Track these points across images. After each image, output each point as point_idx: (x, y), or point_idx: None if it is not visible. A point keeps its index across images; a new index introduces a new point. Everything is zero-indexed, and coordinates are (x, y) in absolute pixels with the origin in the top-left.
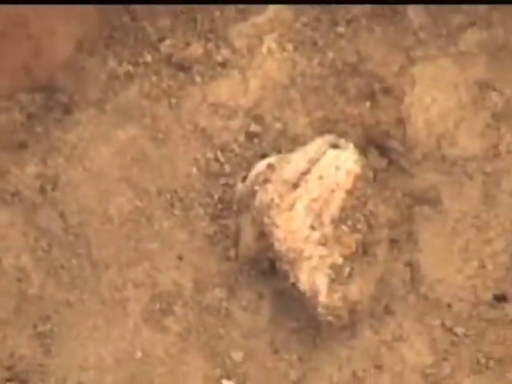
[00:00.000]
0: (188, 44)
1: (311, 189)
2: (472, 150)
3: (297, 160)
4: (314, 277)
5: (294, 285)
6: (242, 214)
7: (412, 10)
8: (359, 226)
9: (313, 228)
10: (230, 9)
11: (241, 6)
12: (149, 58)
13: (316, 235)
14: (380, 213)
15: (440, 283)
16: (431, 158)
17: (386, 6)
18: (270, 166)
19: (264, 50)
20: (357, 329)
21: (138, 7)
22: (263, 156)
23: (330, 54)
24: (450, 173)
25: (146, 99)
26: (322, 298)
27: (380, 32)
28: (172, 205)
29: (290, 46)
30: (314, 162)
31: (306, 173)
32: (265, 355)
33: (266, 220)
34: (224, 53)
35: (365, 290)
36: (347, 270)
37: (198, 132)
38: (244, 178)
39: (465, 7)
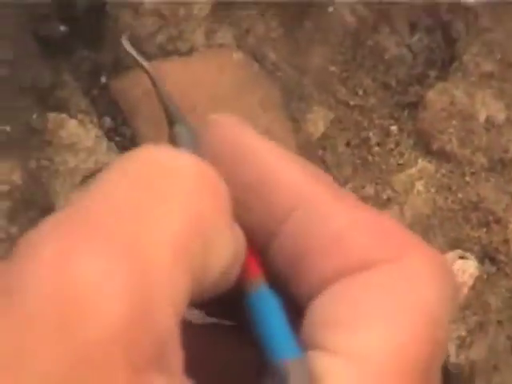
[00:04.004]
0: (363, 187)
1: None
2: None
3: None
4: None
5: None
6: None
7: None
8: (477, 311)
9: None
10: (392, 163)
11: (400, 161)
12: None
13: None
14: (491, 303)
15: None
16: None
17: (498, 163)
18: None
19: (415, 191)
20: (475, 379)
21: (328, 159)
22: None
23: (460, 195)
24: None
25: None
26: (452, 359)
27: (494, 181)
28: None
29: (432, 189)
30: None
31: None
32: None
33: None
34: (388, 193)
35: (480, 354)
36: (469, 340)
37: None
38: None
39: None
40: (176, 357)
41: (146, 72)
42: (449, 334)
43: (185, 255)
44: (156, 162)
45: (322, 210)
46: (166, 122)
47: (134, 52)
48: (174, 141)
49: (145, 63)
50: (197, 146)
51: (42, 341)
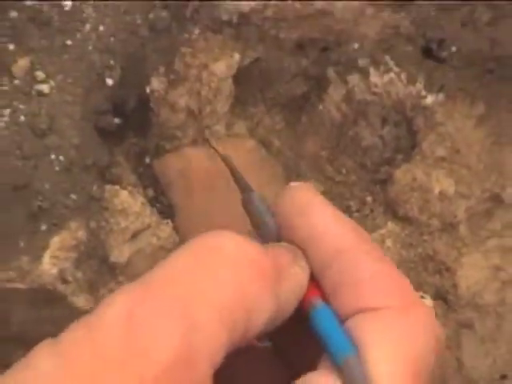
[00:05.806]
0: None
1: None
2: (491, 301)
3: None
4: None
5: None
6: None
7: (462, 227)
8: None
9: None
10: (368, 225)
11: (374, 224)
12: None
13: None
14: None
15: (474, 369)
16: (470, 304)
17: (449, 226)
18: None
19: (385, 247)
20: None
21: None
22: None
23: (419, 250)
24: (480, 312)
25: None
26: None
27: (445, 239)
28: None
29: (398, 245)
30: None
31: None
32: None
33: None
34: None
35: None
36: None
37: None
38: None
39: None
40: None
41: (220, 155)
42: (432, 373)
43: (228, 319)
44: (210, 246)
45: (355, 261)
46: (239, 190)
47: (214, 144)
48: (246, 204)
49: (219, 150)
50: (264, 205)
51: (113, 366)
